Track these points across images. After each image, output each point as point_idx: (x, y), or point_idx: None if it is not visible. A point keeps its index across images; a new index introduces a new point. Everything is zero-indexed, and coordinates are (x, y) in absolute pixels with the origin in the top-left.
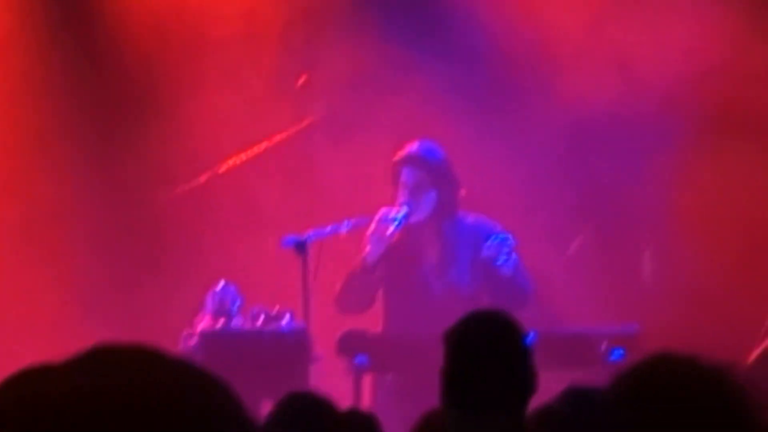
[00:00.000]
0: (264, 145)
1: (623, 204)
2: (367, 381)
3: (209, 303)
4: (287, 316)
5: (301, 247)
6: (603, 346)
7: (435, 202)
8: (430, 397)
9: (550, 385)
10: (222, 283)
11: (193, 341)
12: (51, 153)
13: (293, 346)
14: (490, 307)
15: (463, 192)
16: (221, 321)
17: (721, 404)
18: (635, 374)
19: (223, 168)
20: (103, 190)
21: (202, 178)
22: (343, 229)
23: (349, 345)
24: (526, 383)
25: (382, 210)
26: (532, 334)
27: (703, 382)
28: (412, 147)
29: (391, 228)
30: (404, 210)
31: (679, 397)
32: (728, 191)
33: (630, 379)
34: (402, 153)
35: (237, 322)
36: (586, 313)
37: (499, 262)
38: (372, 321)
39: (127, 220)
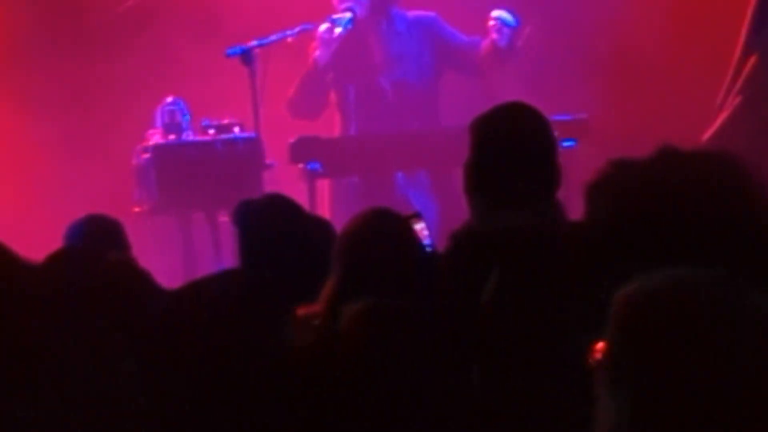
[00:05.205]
0: None
1: None
2: (324, 187)
3: (159, 118)
4: (237, 127)
5: (246, 55)
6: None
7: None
8: (385, 197)
9: None
10: (171, 98)
11: (146, 155)
12: None
13: (245, 155)
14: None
15: None
16: (172, 136)
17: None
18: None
19: None
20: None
21: None
22: (289, 36)
23: (302, 151)
24: (553, 177)
25: (329, 17)
26: None
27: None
28: None
29: (338, 30)
30: (348, 15)
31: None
32: None
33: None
34: None
35: (188, 135)
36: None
37: (502, 43)
38: (324, 128)
39: (77, 31)
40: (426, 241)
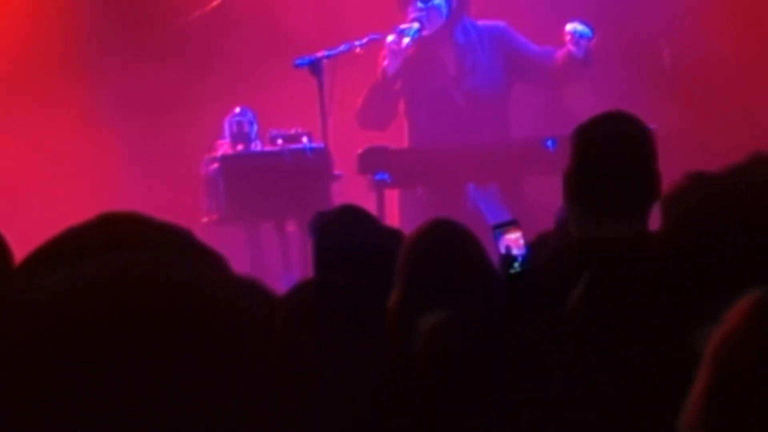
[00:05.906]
0: None
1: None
2: (393, 198)
3: (227, 128)
4: (306, 137)
5: (314, 66)
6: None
7: (445, 10)
8: (456, 208)
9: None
10: (239, 108)
11: (215, 165)
12: None
13: (314, 165)
14: (616, 110)
15: None
16: (240, 146)
17: None
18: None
19: None
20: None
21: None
22: (357, 47)
23: (370, 161)
24: (654, 187)
25: (397, 28)
26: (550, 142)
27: None
28: None
29: (405, 41)
30: (416, 25)
31: None
32: None
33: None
34: None
35: (256, 146)
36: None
37: (580, 54)
38: (393, 139)
39: (147, 40)
40: (521, 251)
